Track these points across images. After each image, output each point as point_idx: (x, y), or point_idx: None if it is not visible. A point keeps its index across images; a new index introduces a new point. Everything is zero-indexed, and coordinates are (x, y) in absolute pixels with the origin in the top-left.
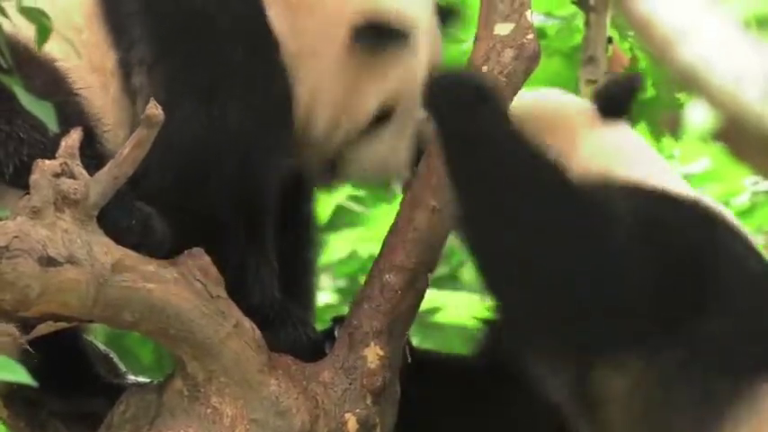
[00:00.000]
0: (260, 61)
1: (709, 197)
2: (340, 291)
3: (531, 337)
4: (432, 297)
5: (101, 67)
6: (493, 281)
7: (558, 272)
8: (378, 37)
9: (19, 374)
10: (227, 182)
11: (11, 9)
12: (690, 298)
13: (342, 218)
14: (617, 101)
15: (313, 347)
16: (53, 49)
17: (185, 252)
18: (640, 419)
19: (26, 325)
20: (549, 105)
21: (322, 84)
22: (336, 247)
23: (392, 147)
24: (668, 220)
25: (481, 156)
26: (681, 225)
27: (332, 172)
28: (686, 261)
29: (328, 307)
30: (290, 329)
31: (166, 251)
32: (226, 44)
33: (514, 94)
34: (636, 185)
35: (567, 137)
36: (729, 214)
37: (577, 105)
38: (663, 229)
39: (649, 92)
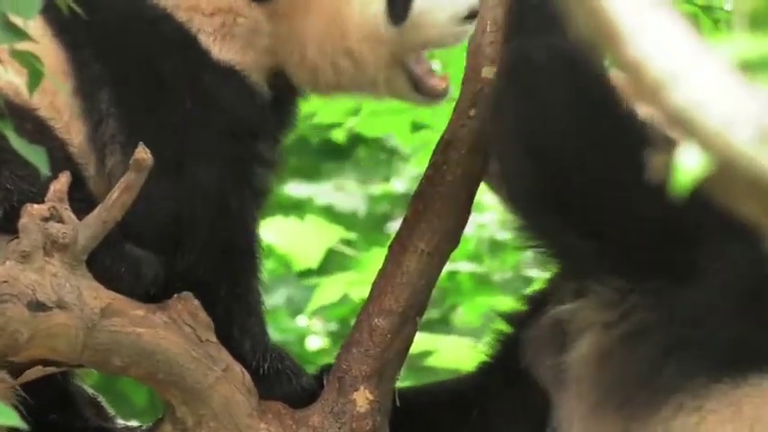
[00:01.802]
0: (215, 105)
1: None
2: (331, 334)
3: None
4: (423, 341)
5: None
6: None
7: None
8: None
9: (11, 419)
10: (204, 243)
11: None
12: (682, 259)
13: (333, 262)
14: None
15: (307, 399)
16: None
17: (175, 296)
18: (597, 365)
19: (18, 370)
20: None
21: (299, 47)
22: (328, 291)
23: None
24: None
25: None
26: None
27: (414, 80)
28: (695, 223)
29: (320, 351)
30: (284, 382)
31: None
32: (176, 102)
33: None
34: None
35: None
36: None
37: None
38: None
39: None
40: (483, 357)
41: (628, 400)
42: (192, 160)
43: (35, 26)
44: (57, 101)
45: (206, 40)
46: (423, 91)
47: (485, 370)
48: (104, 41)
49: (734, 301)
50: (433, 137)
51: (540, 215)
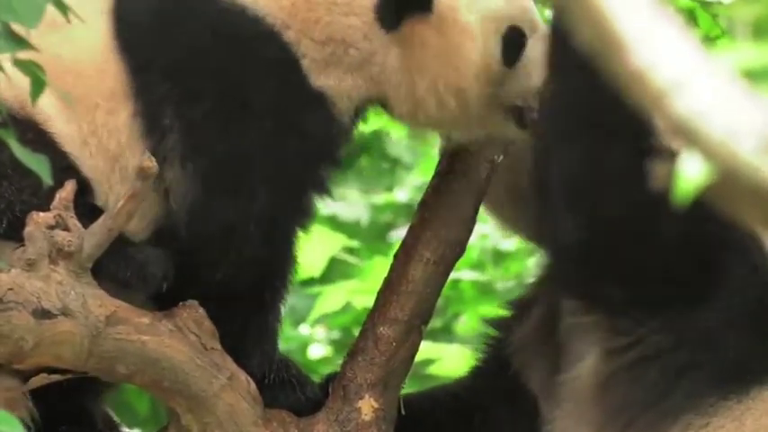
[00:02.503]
0: (293, 131)
1: None
2: (334, 343)
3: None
4: (426, 349)
5: (113, 152)
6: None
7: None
8: (400, 7)
9: (15, 428)
10: (248, 259)
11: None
12: (695, 285)
13: (336, 270)
14: None
15: (312, 408)
16: (45, 105)
17: (180, 304)
18: (601, 390)
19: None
20: None
21: (411, 85)
22: (331, 300)
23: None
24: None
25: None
26: (704, 209)
27: (519, 116)
28: (705, 248)
29: (322, 359)
30: (289, 391)
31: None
32: (254, 121)
33: (508, 145)
34: None
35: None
36: None
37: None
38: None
39: None
40: (474, 362)
41: (632, 421)
42: (259, 179)
43: (99, 45)
44: (112, 120)
45: (308, 65)
46: (523, 125)
47: (478, 375)
48: (178, 54)
49: (742, 321)
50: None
51: (576, 272)
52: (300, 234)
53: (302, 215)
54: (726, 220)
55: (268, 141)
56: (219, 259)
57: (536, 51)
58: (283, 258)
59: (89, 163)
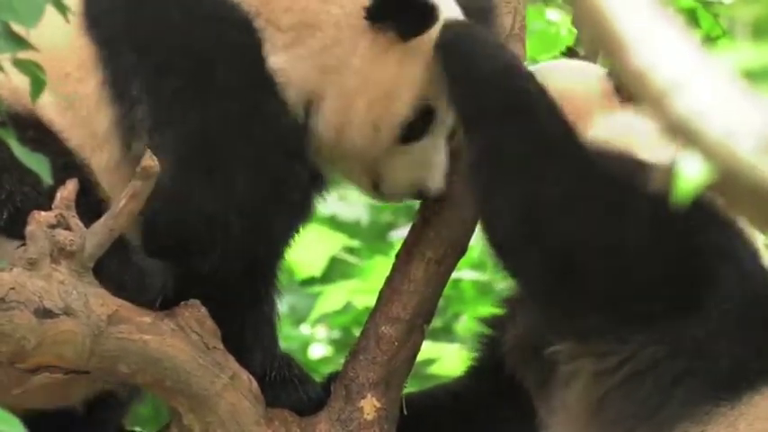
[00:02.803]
0: (261, 114)
1: None
2: (334, 342)
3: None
4: (427, 349)
5: (92, 124)
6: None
7: (568, 240)
8: (397, 11)
9: (15, 427)
10: (231, 249)
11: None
12: (684, 295)
13: (337, 269)
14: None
15: (314, 407)
16: (44, 102)
17: (182, 303)
18: (595, 409)
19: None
20: (563, 79)
21: (351, 91)
22: (331, 299)
23: (430, 156)
24: (679, 212)
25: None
26: (700, 219)
27: (376, 187)
28: (691, 257)
29: (323, 359)
30: (290, 390)
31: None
32: (226, 101)
33: None
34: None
35: (578, 117)
36: (744, 222)
37: (595, 83)
38: (674, 221)
39: None
40: (472, 361)
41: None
42: (229, 165)
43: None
44: (82, 88)
45: (269, 50)
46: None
47: (475, 374)
48: (150, 29)
49: (733, 327)
50: None
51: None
52: (290, 229)
53: (285, 207)
54: (711, 227)
55: (232, 123)
56: (202, 249)
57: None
58: (268, 252)
59: (70, 131)
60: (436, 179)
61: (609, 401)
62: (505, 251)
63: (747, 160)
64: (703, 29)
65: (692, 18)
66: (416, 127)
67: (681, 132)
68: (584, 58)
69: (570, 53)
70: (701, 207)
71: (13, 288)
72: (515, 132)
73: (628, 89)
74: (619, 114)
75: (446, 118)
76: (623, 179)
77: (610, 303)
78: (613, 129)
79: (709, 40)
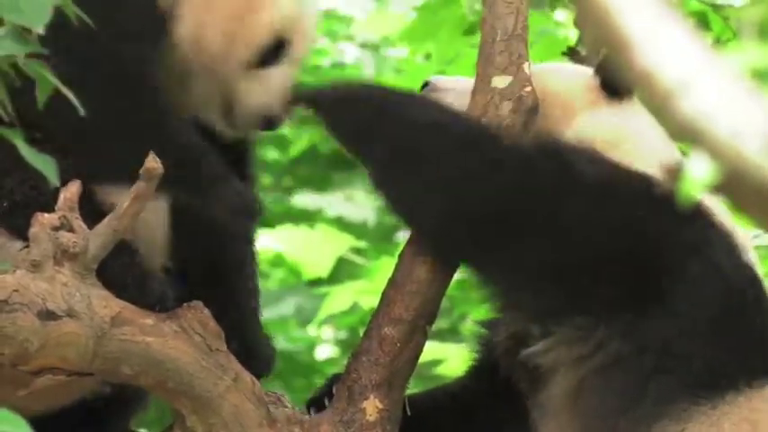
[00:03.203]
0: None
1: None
2: (341, 343)
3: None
4: (433, 349)
5: None
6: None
7: (508, 222)
8: None
9: (21, 428)
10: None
11: None
12: (646, 288)
13: (343, 270)
14: (619, 79)
15: (250, 207)
16: None
17: (184, 305)
18: (574, 398)
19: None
20: (552, 79)
21: (211, 6)
22: (338, 300)
23: (281, 85)
24: (649, 200)
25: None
26: (661, 208)
27: (228, 115)
28: (652, 250)
29: (330, 360)
30: (219, 186)
31: (168, 309)
32: None
33: None
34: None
35: (564, 116)
36: (725, 215)
37: (582, 82)
38: (639, 205)
39: None
40: (471, 362)
41: (609, 429)
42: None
43: None
44: None
45: None
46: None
47: (474, 375)
48: None
49: (704, 322)
50: None
51: (489, 269)
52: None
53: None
54: (678, 221)
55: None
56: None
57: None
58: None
59: None
60: (284, 108)
61: (587, 391)
62: (439, 238)
63: (754, 160)
64: (714, 32)
65: (702, 21)
66: (270, 54)
67: (687, 132)
68: (586, 57)
69: (572, 53)
70: (665, 200)
71: (16, 290)
72: (424, 129)
73: (615, 83)
74: (600, 115)
75: (297, 54)
76: (573, 167)
77: (558, 280)
78: (591, 129)
79: (720, 42)
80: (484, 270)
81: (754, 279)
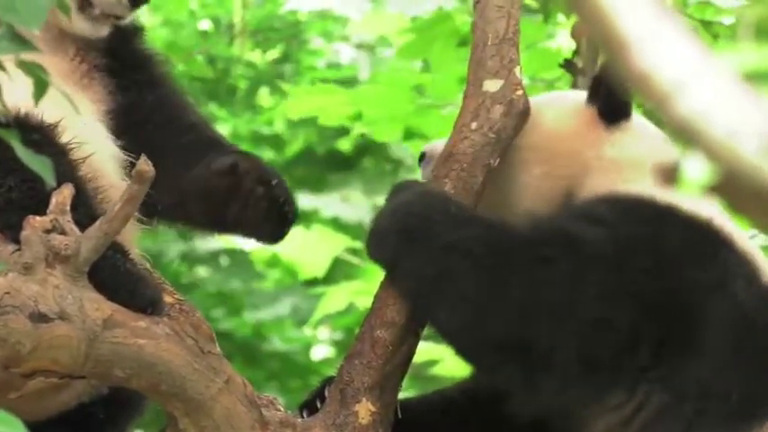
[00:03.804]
0: None
1: (721, 214)
2: (337, 344)
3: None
4: (428, 350)
5: None
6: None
7: (525, 326)
8: None
9: (16, 428)
10: None
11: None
12: (678, 337)
13: (339, 271)
14: (617, 102)
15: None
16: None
17: (177, 307)
18: None
19: None
20: (548, 124)
21: None
22: (334, 300)
23: None
24: (662, 246)
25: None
26: (675, 251)
27: (85, 9)
28: (678, 298)
29: (326, 360)
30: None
31: (160, 312)
32: None
33: (504, 150)
34: (636, 201)
35: (572, 165)
36: (743, 237)
37: (579, 119)
38: (653, 255)
39: None
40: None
41: None
42: None
43: None
44: None
45: None
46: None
47: (473, 378)
48: None
49: (735, 357)
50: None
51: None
52: None
53: None
54: (691, 259)
55: None
56: None
57: None
58: None
59: None
60: None
61: None
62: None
63: (750, 161)
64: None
65: (700, 21)
66: None
67: (684, 133)
68: (582, 69)
69: (568, 65)
70: (683, 239)
71: (8, 292)
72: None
73: (611, 108)
74: (605, 146)
75: None
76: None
77: (594, 364)
78: (600, 166)
79: (717, 42)
80: (523, 367)
81: None
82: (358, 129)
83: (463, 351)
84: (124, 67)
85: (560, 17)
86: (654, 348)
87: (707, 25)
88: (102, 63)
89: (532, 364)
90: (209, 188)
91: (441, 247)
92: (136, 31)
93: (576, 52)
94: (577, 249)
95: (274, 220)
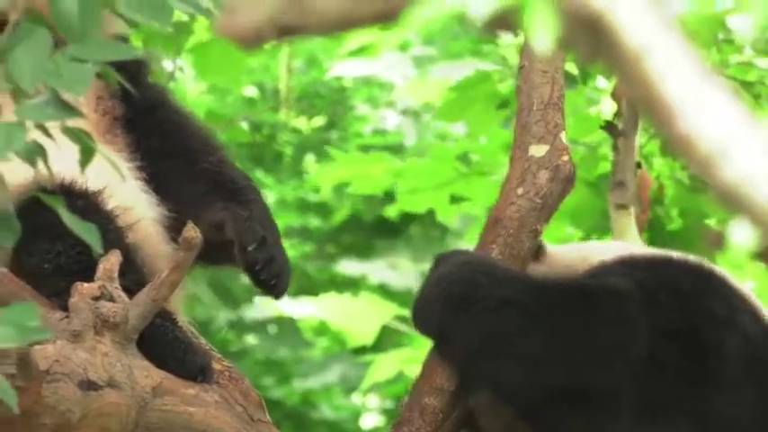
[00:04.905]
0: None
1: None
2: (386, 412)
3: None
4: None
5: None
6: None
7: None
8: None
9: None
10: None
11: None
12: (700, 376)
13: (388, 339)
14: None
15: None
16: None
17: (226, 375)
18: None
19: None
20: None
21: None
22: (383, 368)
23: None
24: (679, 287)
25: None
26: (690, 291)
27: None
28: (695, 339)
29: (375, 429)
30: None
31: (210, 379)
32: None
33: (550, 215)
34: (641, 257)
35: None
36: (730, 276)
37: None
38: (676, 296)
39: (676, 222)
40: None
41: None
42: None
43: None
44: None
45: None
46: None
47: None
48: None
49: (752, 387)
50: (472, 209)
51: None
52: None
53: None
54: (706, 299)
55: None
56: None
57: None
58: None
59: None
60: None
61: None
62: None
63: None
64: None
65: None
66: None
67: (729, 199)
68: (623, 131)
69: (609, 128)
70: (690, 284)
71: (57, 360)
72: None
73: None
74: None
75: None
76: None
77: (651, 404)
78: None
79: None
80: (589, 415)
81: None
82: (403, 198)
83: (525, 407)
84: (139, 114)
85: (600, 82)
86: (683, 390)
87: (748, 86)
88: (121, 113)
89: (598, 411)
90: (206, 237)
91: (489, 308)
92: (141, 67)
93: (616, 114)
94: (618, 296)
95: (258, 282)
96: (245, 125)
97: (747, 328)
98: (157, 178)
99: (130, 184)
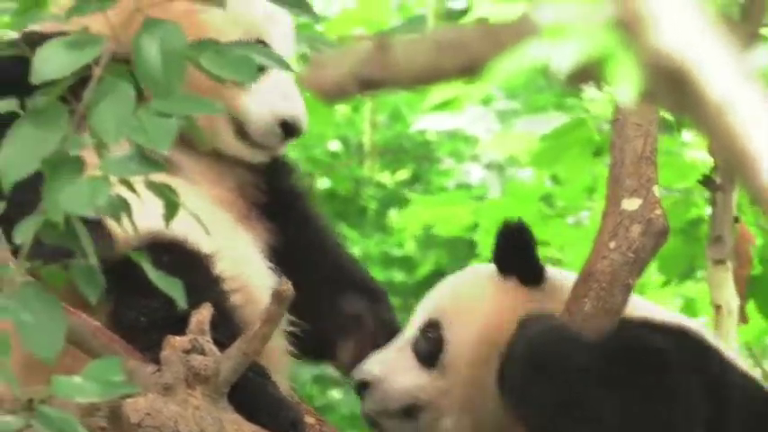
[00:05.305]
0: None
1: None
2: None
3: None
4: None
5: None
6: None
7: None
8: None
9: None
10: None
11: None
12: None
13: None
14: (514, 258)
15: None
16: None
17: (317, 428)
18: None
19: None
20: (466, 310)
21: None
22: None
23: (282, 85)
24: (688, 348)
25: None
26: (697, 353)
27: (241, 133)
28: (702, 394)
29: None
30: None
31: None
32: None
33: (642, 270)
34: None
35: (505, 326)
36: (711, 335)
37: (496, 293)
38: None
39: (757, 269)
40: None
41: None
42: None
43: None
44: None
45: None
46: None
47: None
48: None
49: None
50: (550, 252)
51: None
52: None
53: None
54: (704, 360)
55: None
56: None
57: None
58: None
59: None
60: (297, 108)
61: None
62: None
63: None
64: None
65: None
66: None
67: None
68: (721, 186)
69: (706, 182)
70: (686, 349)
71: (148, 413)
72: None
73: (525, 270)
74: (530, 301)
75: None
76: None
77: None
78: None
79: None
80: None
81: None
82: (484, 241)
83: None
84: (279, 206)
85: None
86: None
87: None
88: (261, 201)
89: None
90: (336, 324)
91: (568, 376)
92: (290, 168)
93: (714, 168)
94: (661, 359)
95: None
96: (327, 181)
97: (739, 383)
98: (292, 262)
99: (252, 253)
